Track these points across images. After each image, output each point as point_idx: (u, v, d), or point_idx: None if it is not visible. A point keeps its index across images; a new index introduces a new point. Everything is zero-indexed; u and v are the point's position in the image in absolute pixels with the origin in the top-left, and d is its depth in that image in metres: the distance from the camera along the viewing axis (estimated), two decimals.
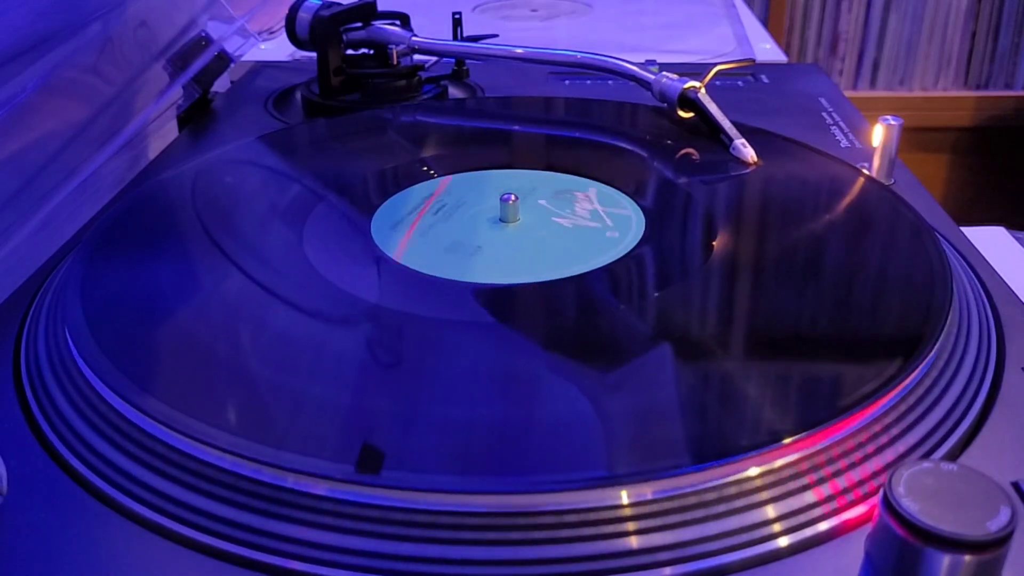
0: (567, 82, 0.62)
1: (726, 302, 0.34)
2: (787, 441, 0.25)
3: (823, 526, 0.24)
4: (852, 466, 0.26)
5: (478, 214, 0.40)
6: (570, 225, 0.39)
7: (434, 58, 0.60)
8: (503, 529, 0.24)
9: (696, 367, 0.30)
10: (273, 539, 0.24)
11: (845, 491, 0.25)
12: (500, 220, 0.40)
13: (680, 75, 0.49)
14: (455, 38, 0.60)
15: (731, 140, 0.45)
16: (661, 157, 0.46)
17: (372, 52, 0.59)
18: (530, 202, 0.41)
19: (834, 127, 0.53)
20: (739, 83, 0.61)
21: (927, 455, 0.27)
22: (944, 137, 1.44)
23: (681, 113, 0.49)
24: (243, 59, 0.63)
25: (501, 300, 0.34)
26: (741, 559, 0.24)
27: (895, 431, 0.27)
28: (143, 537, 0.25)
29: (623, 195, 0.42)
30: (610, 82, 0.61)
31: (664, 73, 0.50)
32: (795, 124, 0.53)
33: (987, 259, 0.39)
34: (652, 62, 0.56)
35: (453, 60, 0.61)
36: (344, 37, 0.57)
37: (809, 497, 0.25)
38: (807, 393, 0.28)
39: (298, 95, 0.60)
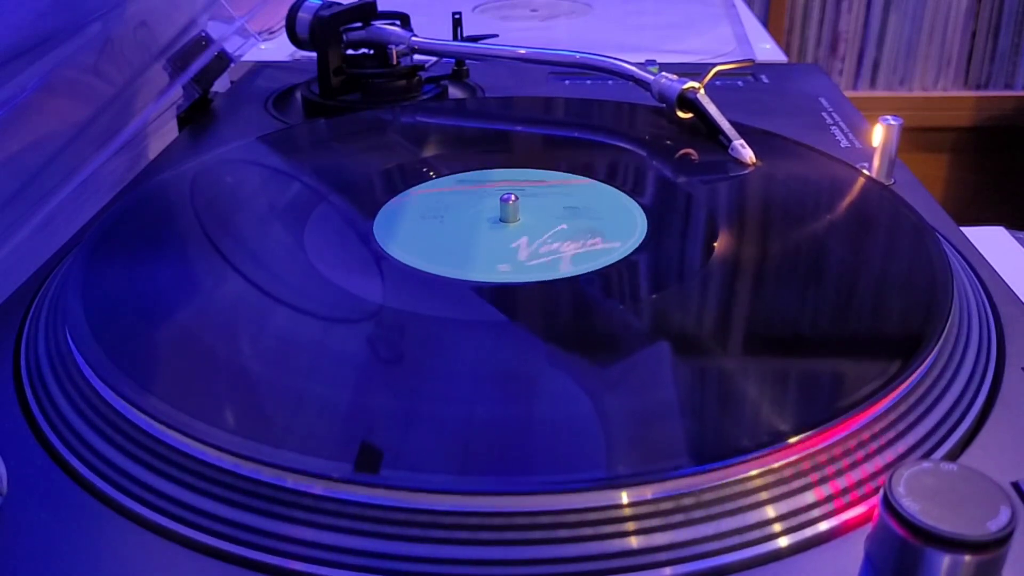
0: (567, 82, 0.62)
1: (727, 303, 0.34)
2: (788, 442, 0.25)
3: (823, 526, 0.24)
4: (852, 466, 0.26)
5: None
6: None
7: (434, 58, 0.60)
8: (503, 529, 0.24)
9: (697, 367, 0.30)
10: (273, 539, 0.24)
11: (845, 491, 0.25)
12: (500, 220, 0.40)
13: (680, 75, 0.49)
14: (455, 38, 0.60)
15: (730, 141, 0.45)
16: (661, 158, 0.46)
17: (372, 52, 0.59)
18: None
19: (834, 127, 0.53)
20: (739, 83, 0.61)
21: (927, 455, 0.27)
22: (944, 137, 1.44)
23: (680, 114, 0.49)
24: (243, 59, 0.63)
25: (502, 299, 0.34)
26: (741, 559, 0.24)
27: (895, 431, 0.27)
28: (143, 537, 0.25)
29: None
30: (610, 82, 0.61)
31: (663, 73, 0.50)
32: (795, 124, 0.53)
33: (987, 259, 0.39)
34: (652, 62, 0.56)
35: (453, 60, 0.61)
36: (344, 37, 0.57)
37: (809, 497, 0.25)
38: (808, 393, 0.28)
39: (298, 95, 0.60)
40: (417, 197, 0.42)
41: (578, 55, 0.53)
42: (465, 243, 0.38)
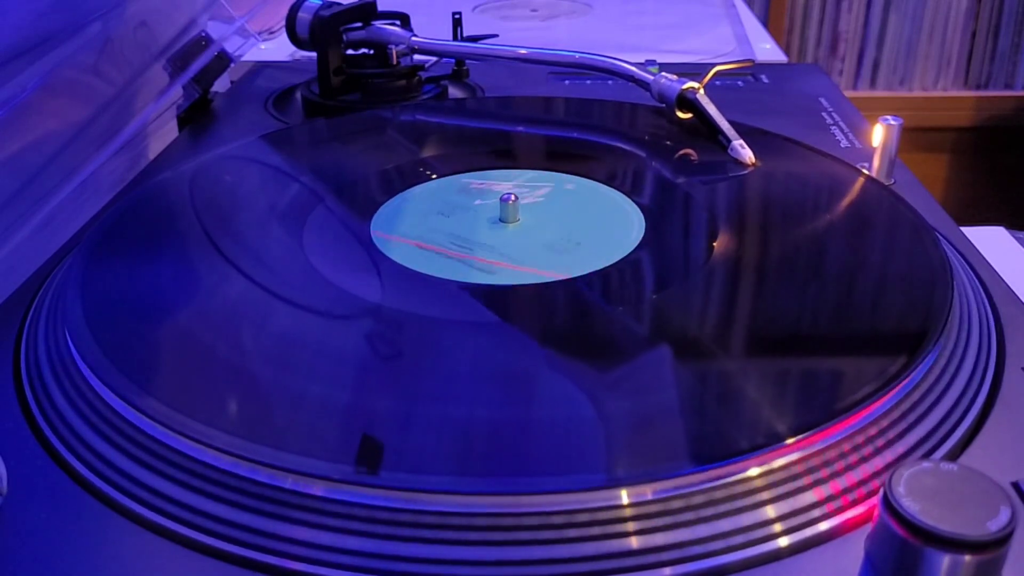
0: (567, 82, 0.62)
1: (726, 303, 0.34)
2: (788, 441, 0.25)
3: (823, 526, 0.24)
4: (852, 466, 0.26)
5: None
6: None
7: (434, 58, 0.60)
8: (503, 530, 0.24)
9: (697, 368, 0.30)
10: (272, 539, 0.24)
11: (845, 491, 0.25)
12: (500, 220, 0.40)
13: (680, 75, 0.49)
14: (455, 38, 0.60)
15: (729, 141, 0.45)
16: (660, 158, 0.46)
17: (372, 52, 0.59)
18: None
19: (834, 127, 0.53)
20: (739, 83, 0.61)
21: (927, 455, 0.27)
22: (944, 137, 1.44)
23: (679, 114, 0.49)
24: (243, 59, 0.63)
25: (501, 300, 0.34)
26: (741, 559, 0.24)
27: (895, 431, 0.27)
28: (143, 537, 0.25)
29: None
30: (610, 82, 0.61)
31: (663, 74, 0.50)
32: (795, 124, 0.53)
33: (987, 259, 0.39)
34: (652, 62, 0.56)
35: (453, 60, 0.61)
36: (344, 37, 0.57)
37: (809, 497, 0.25)
38: (808, 393, 0.28)
39: (298, 95, 0.60)
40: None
41: (578, 55, 0.53)
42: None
